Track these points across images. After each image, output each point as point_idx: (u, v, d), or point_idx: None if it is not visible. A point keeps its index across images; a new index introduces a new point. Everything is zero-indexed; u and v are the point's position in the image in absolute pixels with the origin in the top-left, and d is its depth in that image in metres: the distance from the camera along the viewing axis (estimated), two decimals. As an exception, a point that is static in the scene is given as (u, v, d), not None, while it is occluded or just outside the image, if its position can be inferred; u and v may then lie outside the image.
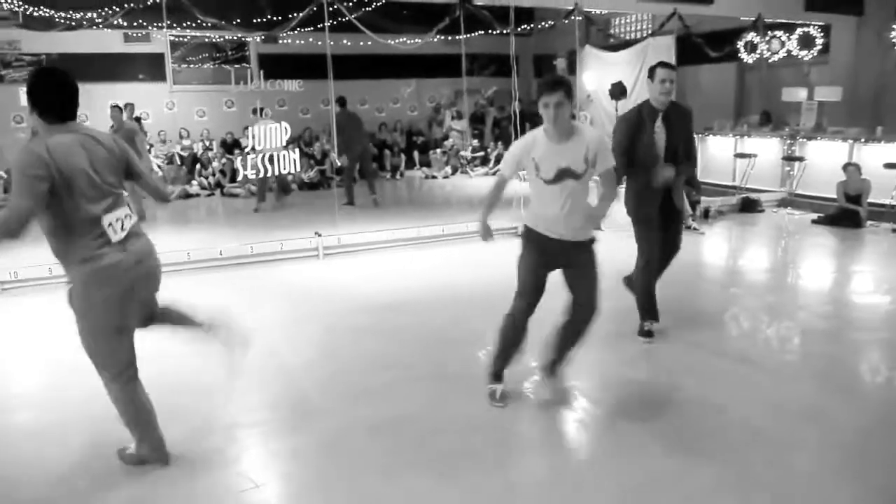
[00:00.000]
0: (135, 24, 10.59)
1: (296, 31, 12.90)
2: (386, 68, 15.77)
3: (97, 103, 10.98)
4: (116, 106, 9.21)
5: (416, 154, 15.47)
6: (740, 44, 11.91)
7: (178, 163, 12.84)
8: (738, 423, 3.58)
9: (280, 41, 14.26)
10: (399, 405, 3.89)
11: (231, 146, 13.94)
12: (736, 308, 5.71)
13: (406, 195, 12.95)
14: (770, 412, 3.70)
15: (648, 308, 4.87)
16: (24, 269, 6.41)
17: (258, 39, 14.33)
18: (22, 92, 10.49)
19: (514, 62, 8.50)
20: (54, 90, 2.90)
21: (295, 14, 9.81)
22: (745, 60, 12.23)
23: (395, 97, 16.74)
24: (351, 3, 8.80)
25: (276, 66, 15.13)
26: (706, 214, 9.40)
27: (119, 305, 2.94)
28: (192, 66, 14.73)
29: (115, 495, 3.05)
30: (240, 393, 4.05)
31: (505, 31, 8.71)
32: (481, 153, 15.35)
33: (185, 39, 13.65)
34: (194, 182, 12.76)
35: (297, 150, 7.77)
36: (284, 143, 7.66)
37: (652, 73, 4.57)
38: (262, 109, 10.32)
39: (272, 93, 14.85)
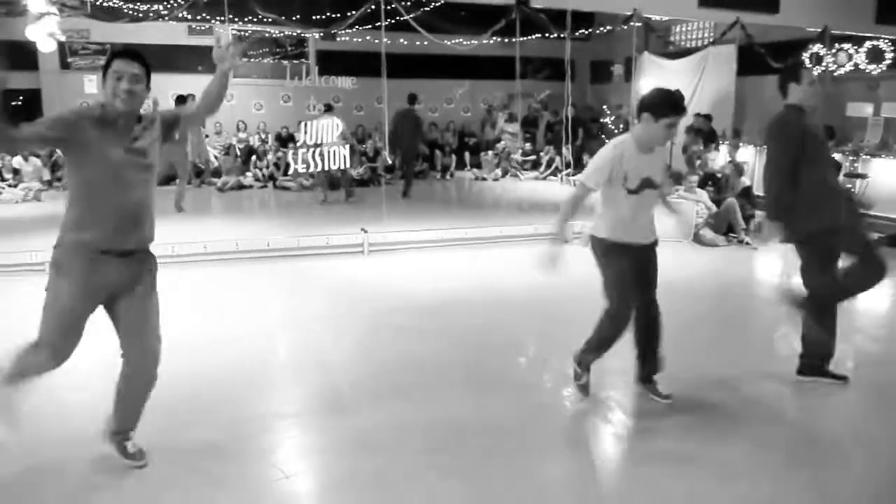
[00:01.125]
0: (199, 17, 10.84)
1: (354, 29, 13.08)
2: (440, 68, 15.78)
3: (162, 93, 11.36)
4: (181, 96, 9.52)
5: (467, 155, 15.46)
6: (805, 55, 11.56)
7: (235, 154, 13.10)
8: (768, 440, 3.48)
9: (337, 38, 14.41)
10: (431, 406, 3.89)
11: (286, 140, 14.15)
12: (786, 328, 5.55)
13: (455, 196, 12.96)
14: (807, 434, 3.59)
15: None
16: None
17: (317, 36, 14.54)
18: (88, 79, 10.93)
19: (570, 67, 8.44)
20: None
21: (353, 12, 9.96)
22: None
23: (448, 97, 16.75)
24: (409, 3, 8.86)
25: (333, 63, 15.50)
26: (760, 229, 9.15)
27: None
28: (252, 59, 15.03)
29: (145, 474, 3.12)
30: (276, 386, 4.11)
31: (561, 35, 8.63)
32: (532, 157, 15.27)
33: (246, 34, 13.92)
34: (248, 174, 13.00)
35: (347, 146, 7.86)
36: (335, 139, 7.75)
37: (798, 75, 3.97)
38: (328, 106, 10.47)
39: (327, 89, 15.22)
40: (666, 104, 3.53)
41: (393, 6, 7.81)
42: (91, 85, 11.67)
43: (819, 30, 9.79)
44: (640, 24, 8.88)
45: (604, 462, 3.42)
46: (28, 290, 5.90)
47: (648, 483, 3.13)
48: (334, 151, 7.61)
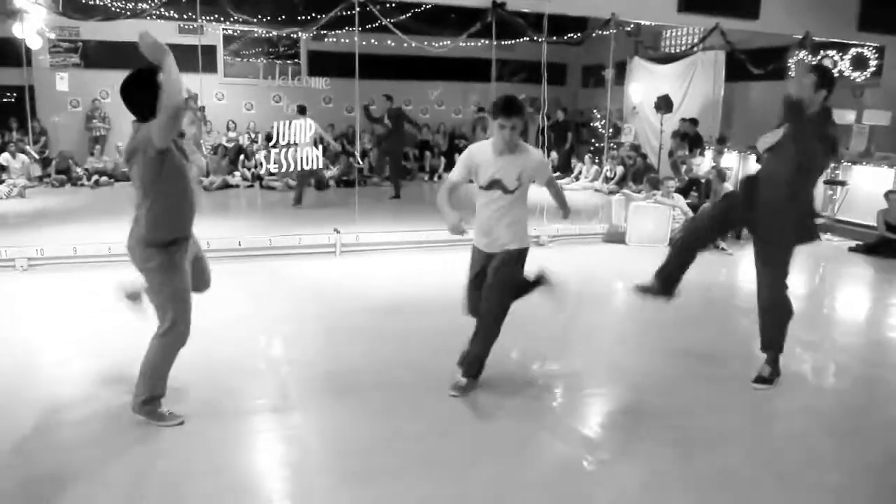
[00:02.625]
0: (185, 16, 10.88)
1: (344, 30, 13.12)
2: (420, 70, 15.74)
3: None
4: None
5: (457, 157, 15.43)
6: (790, 62, 11.55)
7: (223, 153, 13.12)
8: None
9: (326, 39, 14.45)
10: (367, 408, 3.91)
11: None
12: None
13: (430, 199, 12.96)
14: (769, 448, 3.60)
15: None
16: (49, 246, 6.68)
17: (308, 36, 14.56)
18: (59, 77, 10.99)
19: (546, 70, 8.44)
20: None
21: (343, 13, 9.96)
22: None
23: (440, 99, 16.77)
24: (390, 5, 8.88)
25: (324, 64, 15.53)
26: (738, 235, 9.15)
27: None
28: (243, 59, 15.07)
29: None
30: (219, 383, 4.12)
31: (537, 39, 8.64)
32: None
33: (235, 33, 13.96)
34: (237, 173, 13.03)
35: (319, 147, 7.90)
36: (307, 140, 7.78)
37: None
38: (301, 108, 10.51)
39: (318, 90, 15.27)
40: (497, 107, 3.74)
41: (368, 9, 7.82)
42: (62, 83, 11.75)
43: (801, 36, 9.75)
44: (617, 30, 8.85)
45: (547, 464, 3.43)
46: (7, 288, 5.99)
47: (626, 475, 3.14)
48: (307, 152, 7.65)
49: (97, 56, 13.43)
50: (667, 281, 4.46)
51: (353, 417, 3.77)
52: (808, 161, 4.01)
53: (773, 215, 4.09)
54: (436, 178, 14.57)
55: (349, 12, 8.00)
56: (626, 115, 15.22)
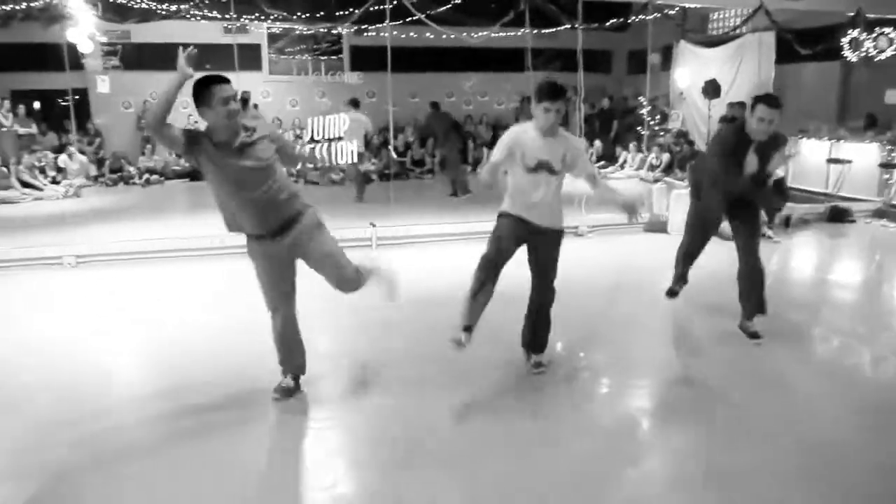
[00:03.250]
0: (228, 15, 11.11)
1: (384, 24, 13.16)
2: (467, 61, 15.70)
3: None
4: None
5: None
6: (844, 41, 11.09)
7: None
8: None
9: (366, 34, 14.53)
10: (416, 398, 3.96)
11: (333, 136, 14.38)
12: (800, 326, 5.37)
13: (475, 188, 12.79)
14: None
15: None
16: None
17: (349, 31, 14.68)
18: (101, 80, 11.38)
19: (581, 57, 8.29)
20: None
21: (378, 7, 10.02)
22: (848, 59, 11.37)
23: (483, 90, 16.69)
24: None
25: (366, 58, 15.62)
26: (787, 223, 8.86)
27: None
28: (288, 56, 15.30)
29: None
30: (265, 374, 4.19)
31: (575, 26, 8.51)
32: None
33: (278, 31, 14.16)
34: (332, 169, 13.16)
35: (354, 142, 7.90)
36: (341, 135, 7.80)
37: (754, 106, 4.47)
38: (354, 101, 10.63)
39: (362, 85, 15.38)
40: (542, 90, 3.81)
41: (401, 1, 7.83)
42: (104, 85, 12.16)
43: (852, 13, 9.33)
44: (661, 15, 8.64)
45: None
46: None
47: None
48: (341, 147, 7.67)
49: (141, 58, 13.85)
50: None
51: (387, 409, 3.81)
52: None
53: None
54: (478, 170, 14.49)
55: (382, 6, 8.01)
56: (672, 100, 14.88)
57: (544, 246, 4.03)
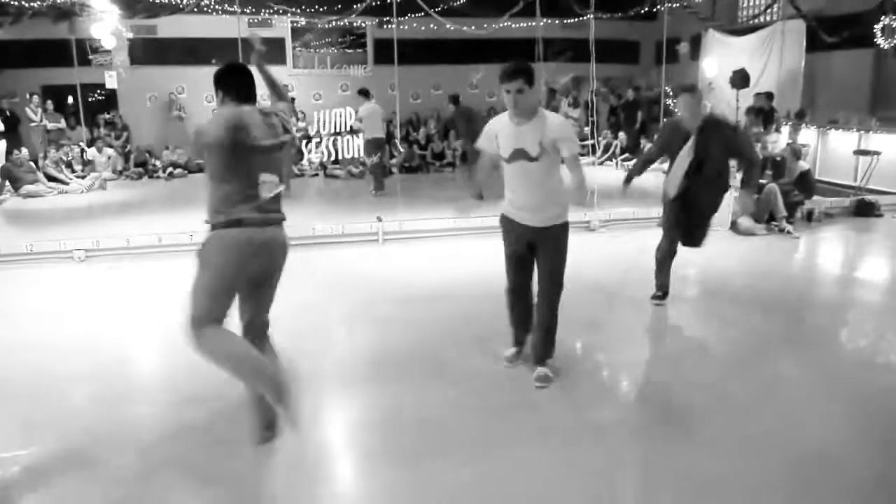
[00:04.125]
0: (247, 9, 11.20)
1: (406, 17, 13.13)
2: (482, 52, 15.48)
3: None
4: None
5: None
6: (876, 28, 10.65)
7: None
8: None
9: (385, 27, 14.50)
10: (416, 393, 3.92)
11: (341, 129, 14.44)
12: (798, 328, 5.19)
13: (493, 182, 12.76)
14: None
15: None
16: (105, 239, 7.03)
17: (373, 24, 14.67)
18: (108, 75, 11.55)
19: (593, 48, 8.10)
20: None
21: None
22: (881, 47, 10.92)
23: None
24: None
25: (390, 51, 15.59)
26: (809, 217, 8.58)
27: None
28: (311, 50, 15.35)
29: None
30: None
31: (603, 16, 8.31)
32: (591, 141, 14.84)
33: (297, 24, 14.20)
34: (304, 161, 13.28)
35: (360, 136, 7.93)
36: (349, 128, 7.83)
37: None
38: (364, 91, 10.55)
39: (383, 77, 15.36)
40: (500, 73, 3.63)
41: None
42: (111, 80, 12.36)
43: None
44: (683, 4, 8.39)
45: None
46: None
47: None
48: (347, 140, 7.70)
49: (166, 53, 14.09)
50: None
51: (393, 403, 3.80)
52: None
53: None
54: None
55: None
56: (702, 90, 14.51)
57: (544, 244, 3.80)
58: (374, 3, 10.43)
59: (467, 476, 3.10)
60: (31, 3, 8.51)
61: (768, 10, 12.42)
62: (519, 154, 3.68)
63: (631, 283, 6.13)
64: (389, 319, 5.19)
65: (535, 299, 4.00)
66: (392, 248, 7.49)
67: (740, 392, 3.93)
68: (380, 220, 7.68)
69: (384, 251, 7.42)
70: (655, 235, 8.03)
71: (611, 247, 7.56)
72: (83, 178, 11.94)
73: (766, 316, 5.27)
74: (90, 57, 11.19)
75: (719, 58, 13.76)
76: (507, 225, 3.91)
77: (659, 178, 5.74)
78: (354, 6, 11.63)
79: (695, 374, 4.20)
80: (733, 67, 12.73)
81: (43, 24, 10.32)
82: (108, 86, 12.03)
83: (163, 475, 3.14)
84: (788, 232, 7.91)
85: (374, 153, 9.15)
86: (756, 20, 11.52)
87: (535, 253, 3.86)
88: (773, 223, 8.14)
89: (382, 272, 6.58)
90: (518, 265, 3.95)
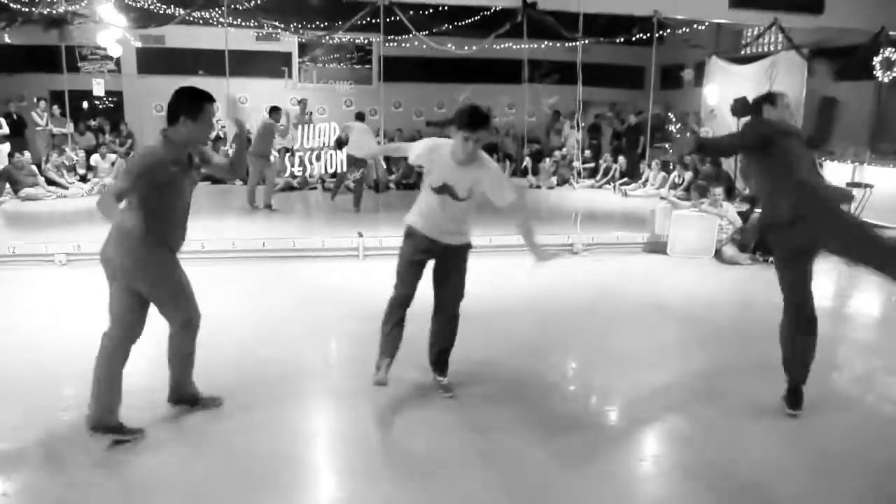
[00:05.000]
0: (250, 22, 11.37)
1: (410, 35, 13.24)
2: (504, 74, 15.63)
3: (223, 95, 12.01)
4: (275, 107, 9.99)
5: (528, 162, 15.13)
6: (876, 60, 10.61)
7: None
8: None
9: (387, 45, 14.63)
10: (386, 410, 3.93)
11: (342, 143, 14.52)
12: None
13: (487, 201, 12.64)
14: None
15: None
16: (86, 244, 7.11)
17: (379, 41, 14.79)
18: (96, 82, 11.76)
19: (580, 71, 8.10)
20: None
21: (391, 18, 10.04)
22: (880, 79, 10.87)
23: (510, 102, 16.59)
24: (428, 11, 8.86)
25: (398, 69, 15.73)
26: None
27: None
28: (318, 64, 15.54)
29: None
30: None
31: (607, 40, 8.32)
32: (591, 164, 14.83)
33: (302, 40, 14.36)
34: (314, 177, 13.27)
35: (343, 151, 7.99)
36: (330, 144, 7.88)
37: None
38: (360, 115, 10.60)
39: (389, 94, 15.49)
40: (462, 119, 3.61)
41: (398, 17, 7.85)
42: (98, 87, 12.56)
43: (876, 31, 8.89)
44: (685, 30, 8.39)
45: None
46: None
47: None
48: (330, 156, 7.75)
49: (173, 62, 14.34)
50: None
51: (361, 421, 3.80)
52: None
53: None
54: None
55: (390, 18, 8.03)
56: (703, 117, 14.50)
57: (454, 260, 3.92)
58: (373, 21, 10.53)
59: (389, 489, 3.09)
60: (30, 9, 8.68)
61: (760, 39, 12.41)
62: (446, 189, 3.73)
63: (601, 308, 6.11)
64: (352, 335, 5.20)
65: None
66: (372, 264, 7.50)
67: (687, 426, 3.89)
68: (360, 235, 7.71)
69: (364, 267, 7.44)
70: (639, 260, 8.09)
71: (592, 269, 7.55)
72: (86, 182, 12.09)
73: (743, 344, 5.22)
74: (79, 64, 11.38)
75: (722, 85, 13.73)
76: (416, 236, 3.89)
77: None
78: (360, 22, 11.76)
79: (662, 400, 4.17)
80: (735, 95, 12.70)
81: (34, 30, 10.50)
82: (95, 93, 12.20)
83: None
84: (772, 262, 7.83)
85: (357, 170, 9.19)
86: (757, 49, 11.47)
87: (440, 267, 3.94)
88: (758, 253, 8.07)
89: (358, 288, 6.58)
90: (417, 271, 3.92)
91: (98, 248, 3.46)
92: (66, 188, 11.67)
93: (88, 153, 13.04)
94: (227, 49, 9.20)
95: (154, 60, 14.38)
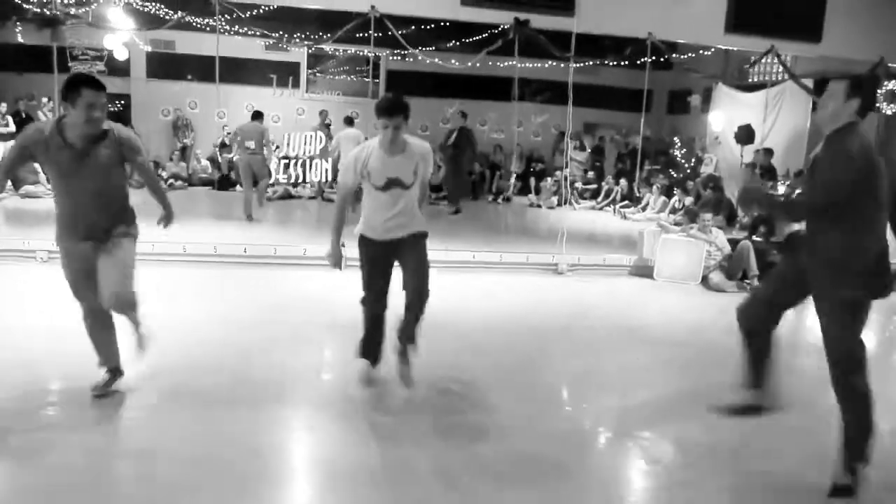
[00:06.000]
0: (259, 32, 11.49)
1: (419, 49, 13.30)
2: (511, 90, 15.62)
3: (238, 104, 13.25)
4: (258, 112, 10.04)
5: (532, 181, 15.01)
6: (879, 92, 10.49)
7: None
8: None
9: (392, 58, 14.74)
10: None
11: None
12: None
13: (483, 218, 12.45)
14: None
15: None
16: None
17: (386, 54, 14.88)
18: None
19: (571, 91, 8.07)
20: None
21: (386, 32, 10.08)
22: (882, 111, 10.74)
23: (518, 119, 16.56)
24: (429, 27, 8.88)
25: (404, 82, 15.81)
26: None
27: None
28: (327, 76, 15.65)
29: None
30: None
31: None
32: (594, 186, 14.75)
33: (311, 50, 14.46)
34: (307, 184, 13.30)
35: (329, 160, 8.01)
36: (316, 152, 7.91)
37: None
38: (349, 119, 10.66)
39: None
40: (380, 108, 3.77)
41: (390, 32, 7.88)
42: None
43: (876, 61, 8.78)
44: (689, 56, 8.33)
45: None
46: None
47: None
48: (315, 164, 7.78)
49: (181, 68, 14.52)
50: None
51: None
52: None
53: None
54: (500, 201, 14.31)
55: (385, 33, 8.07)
56: (708, 144, 14.41)
57: (412, 248, 3.96)
58: (378, 34, 10.57)
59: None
60: (25, 6, 8.82)
61: (758, 67, 12.36)
62: (394, 182, 3.86)
63: (574, 328, 6.04)
64: (312, 342, 5.18)
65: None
66: (355, 274, 7.45)
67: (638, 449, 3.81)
68: (343, 245, 7.66)
69: (346, 277, 7.39)
70: (625, 282, 7.99)
71: (575, 289, 7.47)
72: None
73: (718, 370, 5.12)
74: (69, 64, 11.52)
75: (728, 112, 13.66)
76: (370, 245, 4.02)
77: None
78: (363, 34, 11.84)
79: (627, 420, 4.09)
80: (740, 122, 12.63)
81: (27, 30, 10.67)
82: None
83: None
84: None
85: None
86: (763, 77, 11.42)
87: (401, 260, 3.99)
88: (746, 281, 7.97)
89: (334, 297, 6.54)
90: (383, 271, 4.07)
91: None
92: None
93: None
94: (217, 56, 9.30)
95: (163, 65, 14.56)
